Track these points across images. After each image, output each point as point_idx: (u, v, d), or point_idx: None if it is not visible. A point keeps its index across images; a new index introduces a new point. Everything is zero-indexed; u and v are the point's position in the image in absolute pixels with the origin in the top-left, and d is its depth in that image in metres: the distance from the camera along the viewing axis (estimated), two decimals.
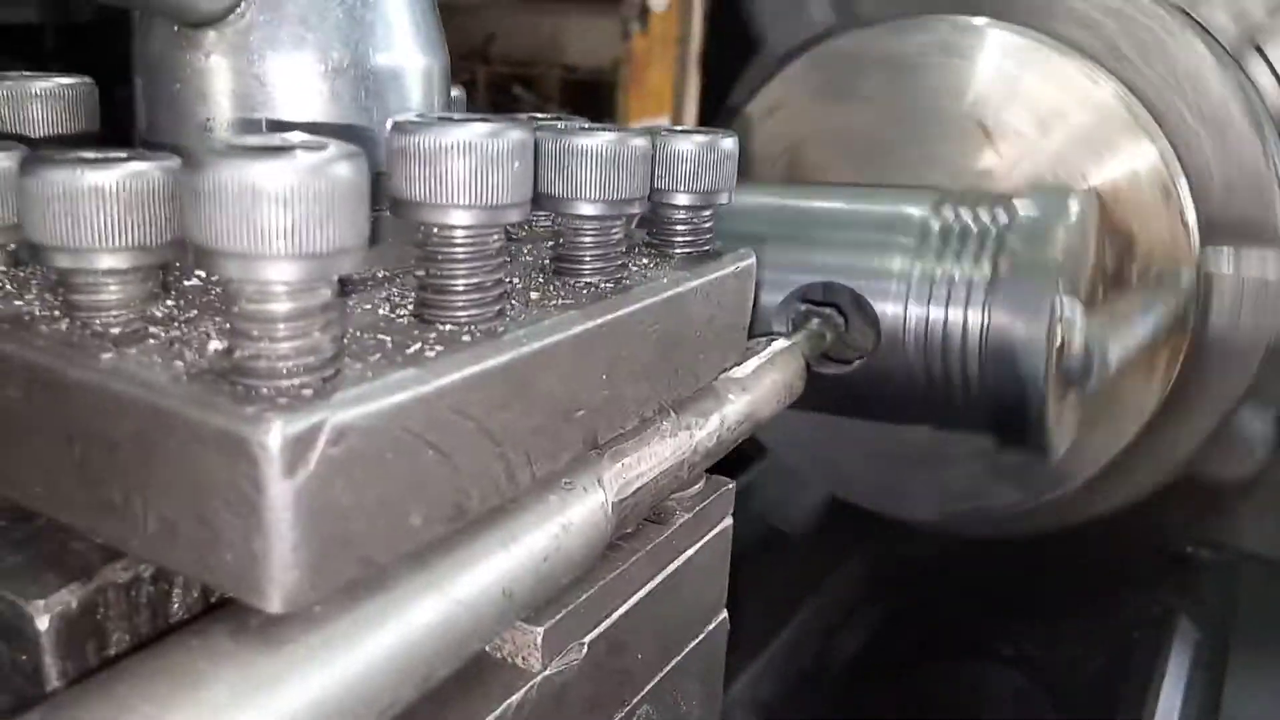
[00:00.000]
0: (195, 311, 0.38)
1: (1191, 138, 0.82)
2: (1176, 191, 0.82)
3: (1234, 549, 1.18)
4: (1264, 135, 0.82)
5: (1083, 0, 0.84)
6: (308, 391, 0.31)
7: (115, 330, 0.36)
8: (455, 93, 0.58)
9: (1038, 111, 0.83)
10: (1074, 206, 0.76)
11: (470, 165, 0.36)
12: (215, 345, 0.34)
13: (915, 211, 0.76)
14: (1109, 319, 0.81)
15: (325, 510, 0.31)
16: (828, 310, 0.76)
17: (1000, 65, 0.84)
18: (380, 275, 0.44)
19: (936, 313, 0.73)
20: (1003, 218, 0.75)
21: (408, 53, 0.45)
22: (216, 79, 0.42)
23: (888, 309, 0.75)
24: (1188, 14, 0.84)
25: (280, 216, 0.29)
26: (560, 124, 0.51)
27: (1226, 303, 0.85)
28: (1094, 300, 0.78)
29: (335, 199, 0.30)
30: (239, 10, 0.41)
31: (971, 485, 0.88)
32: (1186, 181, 0.82)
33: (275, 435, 0.29)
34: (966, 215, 0.75)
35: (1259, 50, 0.93)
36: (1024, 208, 0.74)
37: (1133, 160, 0.82)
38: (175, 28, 0.43)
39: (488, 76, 4.91)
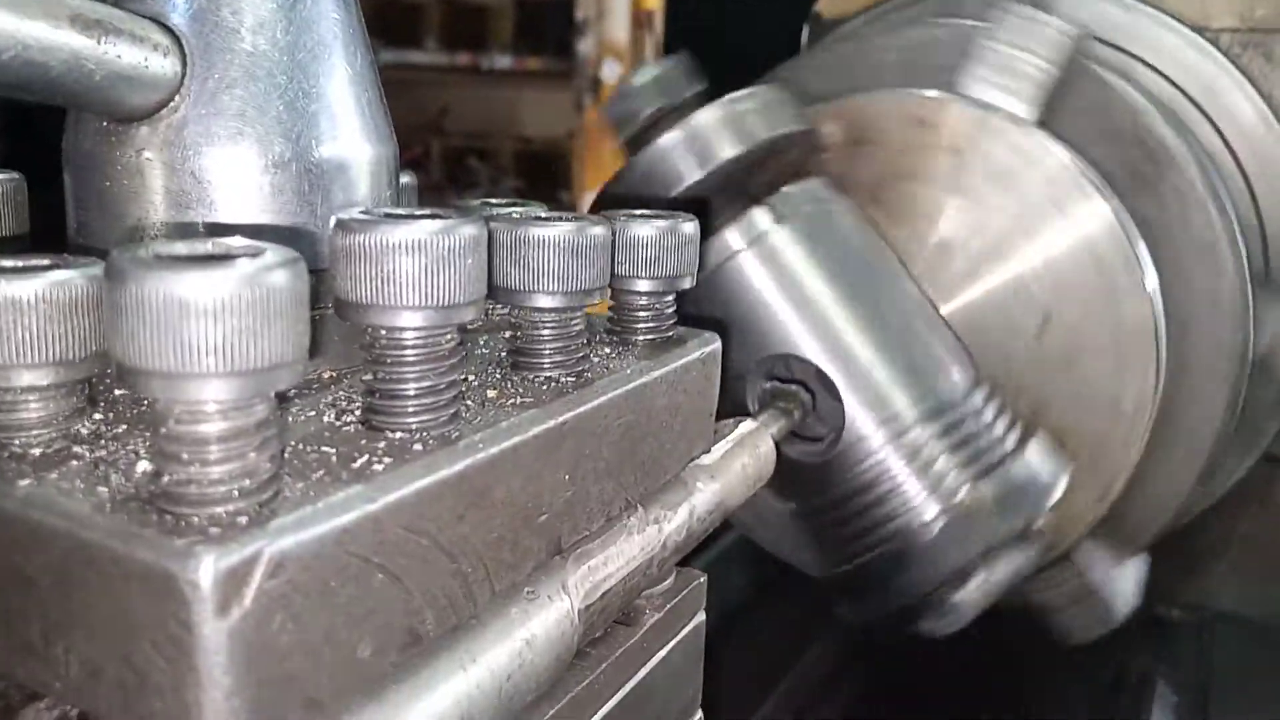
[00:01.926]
0: (124, 426, 0.35)
1: None
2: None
3: (1208, 609, 1.18)
4: None
5: None
6: (243, 519, 0.28)
7: (36, 451, 0.33)
8: (406, 179, 0.56)
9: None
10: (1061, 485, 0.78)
11: (419, 264, 0.34)
12: (144, 466, 0.32)
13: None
14: None
15: (264, 651, 0.28)
16: (794, 387, 0.75)
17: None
18: (326, 376, 0.41)
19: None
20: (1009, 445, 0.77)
21: (353, 143, 0.43)
22: (149, 177, 0.40)
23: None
24: None
25: (210, 331, 0.27)
26: (516, 212, 0.49)
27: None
28: None
29: (271, 310, 0.28)
30: (172, 105, 0.39)
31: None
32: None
33: (206, 571, 0.27)
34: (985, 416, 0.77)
35: None
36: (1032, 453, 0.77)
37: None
38: (105, 123, 0.40)
39: (442, 149, 4.92)
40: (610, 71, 4.39)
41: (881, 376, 0.74)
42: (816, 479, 0.76)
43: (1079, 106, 0.83)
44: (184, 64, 0.39)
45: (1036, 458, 0.77)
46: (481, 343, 0.48)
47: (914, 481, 0.74)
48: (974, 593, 0.75)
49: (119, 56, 0.38)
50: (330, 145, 0.42)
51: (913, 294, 0.81)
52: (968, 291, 0.85)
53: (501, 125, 4.97)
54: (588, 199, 4.36)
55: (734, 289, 0.75)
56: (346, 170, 0.43)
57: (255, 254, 0.28)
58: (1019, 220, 0.84)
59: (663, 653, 0.51)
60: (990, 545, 0.75)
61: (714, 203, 0.76)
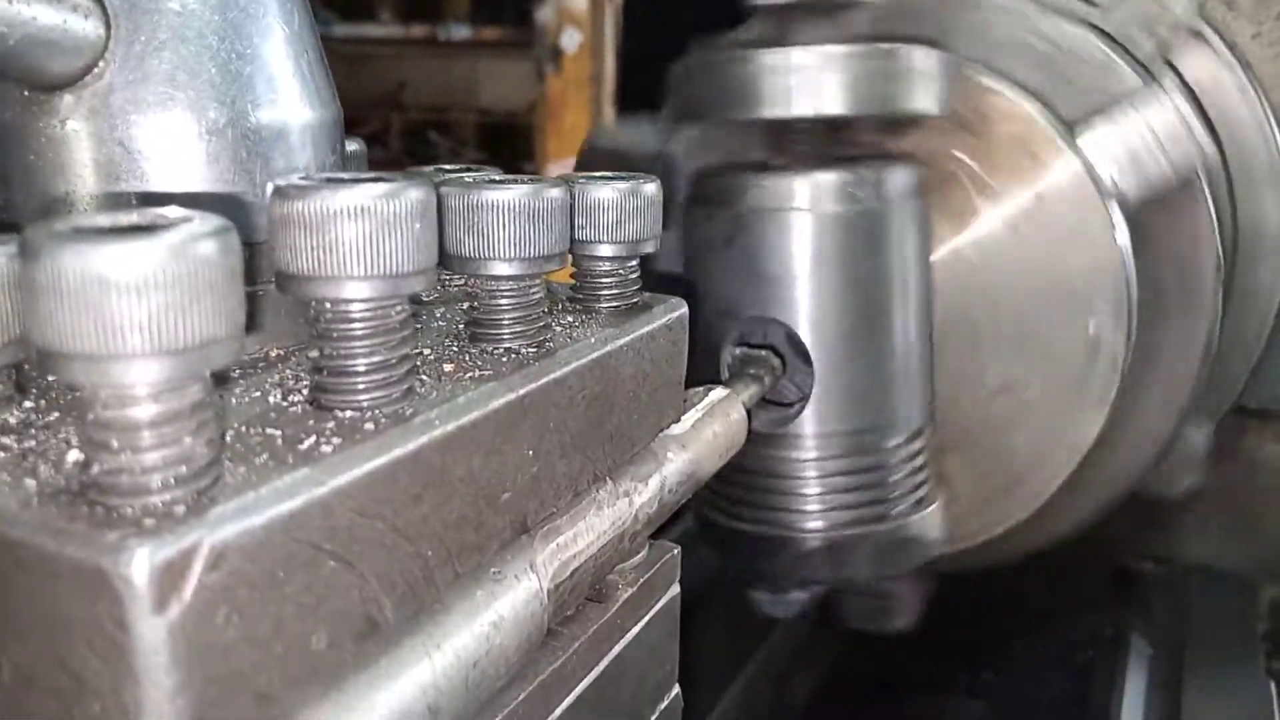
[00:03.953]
0: (55, 414, 0.33)
1: None
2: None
3: (1179, 561, 1.18)
4: None
5: None
6: (179, 509, 0.27)
7: None
8: (354, 146, 0.53)
9: None
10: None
11: (363, 231, 0.32)
12: (75, 456, 0.30)
13: None
14: None
15: (208, 647, 0.26)
16: (764, 353, 0.73)
17: None
18: (272, 355, 0.39)
19: None
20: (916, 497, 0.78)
21: (293, 107, 0.41)
22: (75, 148, 0.38)
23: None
24: None
25: (134, 308, 0.25)
26: (469, 176, 0.47)
27: None
28: None
29: (200, 283, 0.26)
30: (96, 70, 0.37)
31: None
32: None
33: (140, 565, 0.25)
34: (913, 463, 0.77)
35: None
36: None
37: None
38: (25, 92, 0.38)
39: (402, 123, 4.86)
40: (570, 40, 4.34)
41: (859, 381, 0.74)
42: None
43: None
44: (107, 25, 0.37)
45: (931, 521, 0.77)
46: (438, 315, 0.46)
47: (815, 489, 0.73)
48: None
49: (34, 18, 0.35)
50: (268, 110, 0.40)
51: (917, 327, 0.79)
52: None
53: (461, 97, 4.91)
54: (551, 169, 4.32)
55: (764, 238, 0.73)
56: (286, 136, 0.40)
57: (181, 223, 0.26)
58: (986, 175, 0.83)
59: (637, 628, 0.50)
60: (852, 579, 0.76)
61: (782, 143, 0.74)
